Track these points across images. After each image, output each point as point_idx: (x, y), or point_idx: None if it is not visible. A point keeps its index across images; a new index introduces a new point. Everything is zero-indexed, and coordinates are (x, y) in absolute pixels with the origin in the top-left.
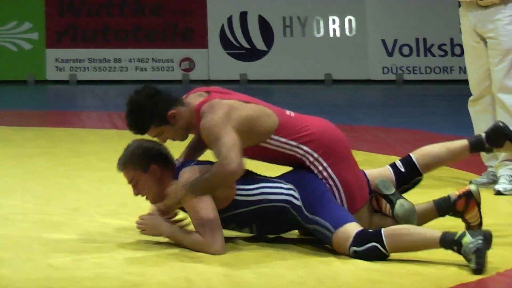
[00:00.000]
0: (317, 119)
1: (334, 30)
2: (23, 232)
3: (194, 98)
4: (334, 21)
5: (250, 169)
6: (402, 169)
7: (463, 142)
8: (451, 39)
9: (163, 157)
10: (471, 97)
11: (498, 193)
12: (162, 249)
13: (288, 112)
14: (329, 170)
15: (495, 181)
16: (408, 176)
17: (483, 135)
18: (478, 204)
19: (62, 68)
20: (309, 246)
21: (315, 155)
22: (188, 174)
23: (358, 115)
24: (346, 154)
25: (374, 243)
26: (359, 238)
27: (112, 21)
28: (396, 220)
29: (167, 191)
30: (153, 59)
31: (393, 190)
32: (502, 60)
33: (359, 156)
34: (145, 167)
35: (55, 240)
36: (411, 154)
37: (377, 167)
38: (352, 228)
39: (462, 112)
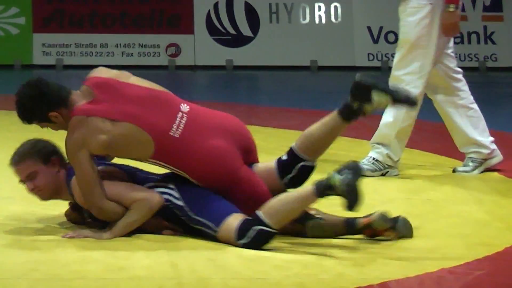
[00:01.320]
0: (214, 131)
1: (320, 16)
2: (9, 215)
3: (79, 97)
4: (320, 7)
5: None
6: (284, 158)
7: (333, 112)
8: None
9: (60, 154)
10: None
11: None
12: (147, 234)
13: (175, 126)
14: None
15: (477, 167)
16: (291, 163)
17: (348, 96)
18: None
19: (49, 53)
20: None
21: (194, 181)
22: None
23: None
24: (231, 177)
25: (257, 226)
26: (241, 229)
27: (99, 7)
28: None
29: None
30: (139, 44)
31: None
32: (398, 49)
33: (344, 143)
34: (46, 158)
35: (40, 223)
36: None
37: (362, 153)
38: (232, 221)
39: None
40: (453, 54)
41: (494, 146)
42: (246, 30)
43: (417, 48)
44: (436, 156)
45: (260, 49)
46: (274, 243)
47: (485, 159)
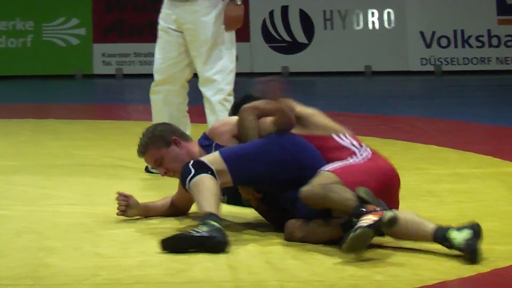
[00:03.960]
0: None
1: (373, 22)
2: (71, 222)
3: None
4: (373, 14)
5: None
6: None
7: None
8: (488, 31)
9: (180, 131)
10: (154, 82)
11: None
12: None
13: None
14: None
15: None
16: None
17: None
18: None
19: (109, 63)
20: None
21: None
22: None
23: (397, 106)
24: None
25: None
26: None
27: (158, 16)
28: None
29: None
30: None
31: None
32: (200, 52)
33: (398, 146)
34: (167, 141)
35: (102, 229)
36: None
37: (415, 157)
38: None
39: (500, 102)
40: None
41: None
42: (301, 37)
43: (219, 46)
44: (489, 158)
45: (315, 55)
46: (328, 245)
47: None
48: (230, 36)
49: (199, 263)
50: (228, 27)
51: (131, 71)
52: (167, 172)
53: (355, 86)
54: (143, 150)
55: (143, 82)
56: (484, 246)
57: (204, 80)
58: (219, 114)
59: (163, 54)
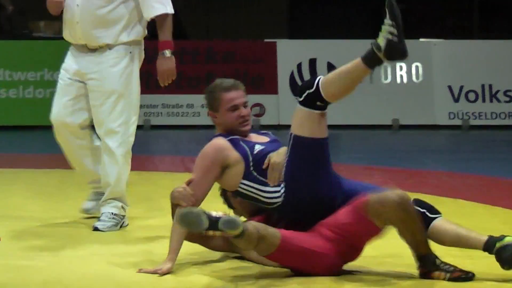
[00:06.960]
0: None
1: (401, 76)
2: (100, 273)
3: None
4: (401, 67)
5: None
6: None
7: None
8: None
9: None
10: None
11: (96, 229)
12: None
13: None
14: None
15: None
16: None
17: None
18: None
19: None
20: None
21: None
22: None
23: (424, 160)
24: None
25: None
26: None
27: (185, 68)
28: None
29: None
30: None
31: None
32: (104, 102)
33: (425, 200)
34: None
35: (131, 281)
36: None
37: (443, 211)
38: None
39: None
40: None
41: None
42: None
43: (124, 98)
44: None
45: (342, 108)
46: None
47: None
48: (137, 88)
49: None
50: (162, 81)
51: (159, 122)
52: (247, 116)
53: (382, 139)
54: (240, 85)
55: (170, 133)
56: None
57: (107, 131)
58: (122, 166)
59: (59, 100)
